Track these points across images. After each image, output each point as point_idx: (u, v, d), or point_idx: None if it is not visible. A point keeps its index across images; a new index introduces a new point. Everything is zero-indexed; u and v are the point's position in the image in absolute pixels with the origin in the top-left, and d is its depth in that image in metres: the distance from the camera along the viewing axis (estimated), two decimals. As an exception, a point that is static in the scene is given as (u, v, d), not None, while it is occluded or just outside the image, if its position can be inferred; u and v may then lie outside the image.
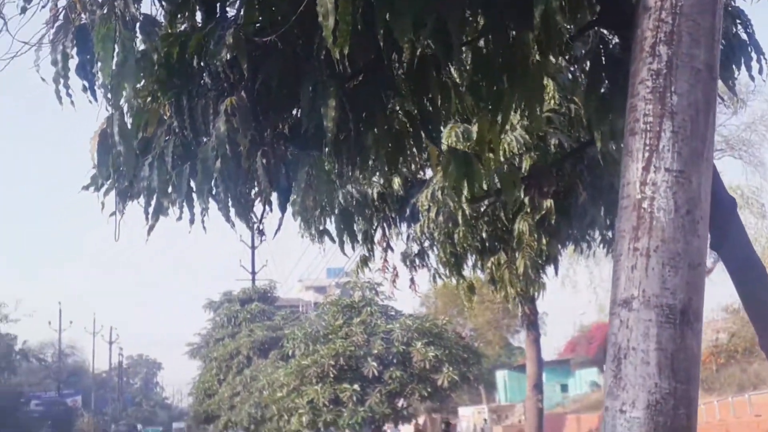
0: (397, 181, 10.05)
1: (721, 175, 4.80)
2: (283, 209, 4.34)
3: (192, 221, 4.29)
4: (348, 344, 18.63)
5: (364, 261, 10.97)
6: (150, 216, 4.20)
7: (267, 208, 4.32)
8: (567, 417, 46.46)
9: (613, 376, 3.07)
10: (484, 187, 5.28)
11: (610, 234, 10.13)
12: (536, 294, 9.70)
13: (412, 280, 10.91)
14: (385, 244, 11.13)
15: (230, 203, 4.07)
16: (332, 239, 11.08)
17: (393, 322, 19.36)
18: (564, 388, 54.68)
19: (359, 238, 11.00)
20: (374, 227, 10.99)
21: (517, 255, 8.84)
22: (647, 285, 3.05)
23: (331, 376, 18.33)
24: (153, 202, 4.15)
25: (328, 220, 10.99)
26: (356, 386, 18.29)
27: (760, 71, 4.93)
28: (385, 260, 11.13)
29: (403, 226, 11.15)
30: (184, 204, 4.01)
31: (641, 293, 3.05)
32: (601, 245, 10.66)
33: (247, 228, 4.51)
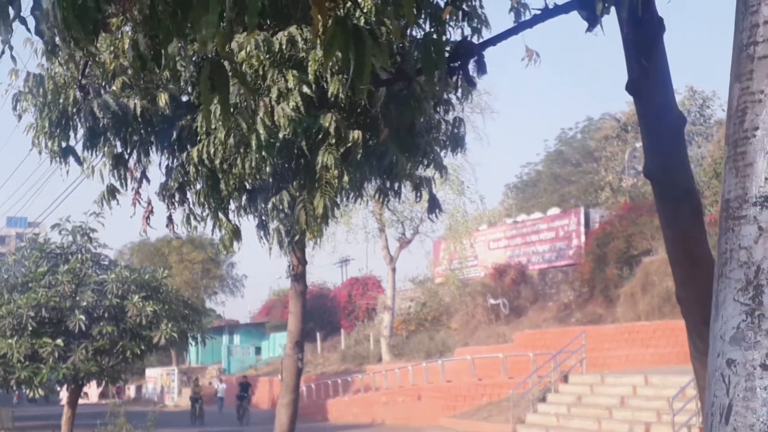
0: (163, 98, 8.42)
1: None
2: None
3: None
4: (52, 294, 16.30)
5: (112, 192, 9.17)
6: None
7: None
8: (259, 379, 46.33)
9: (746, 312, 2.01)
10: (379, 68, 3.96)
11: (402, 185, 9.37)
12: (317, 241, 8.61)
13: (170, 219, 9.30)
14: (139, 173, 9.43)
15: None
16: (78, 160, 9.17)
17: (107, 273, 17.26)
18: (258, 350, 54.54)
19: (110, 162, 9.20)
20: (129, 150, 9.24)
21: (316, 193, 7.65)
22: (808, 175, 2.08)
23: (30, 328, 15.94)
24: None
25: (73, 136, 9.04)
26: (59, 341, 16.09)
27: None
28: (137, 192, 9.44)
29: (160, 154, 9.52)
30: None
31: (797, 187, 2.07)
32: (378, 195, 9.85)
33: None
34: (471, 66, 4.02)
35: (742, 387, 2.00)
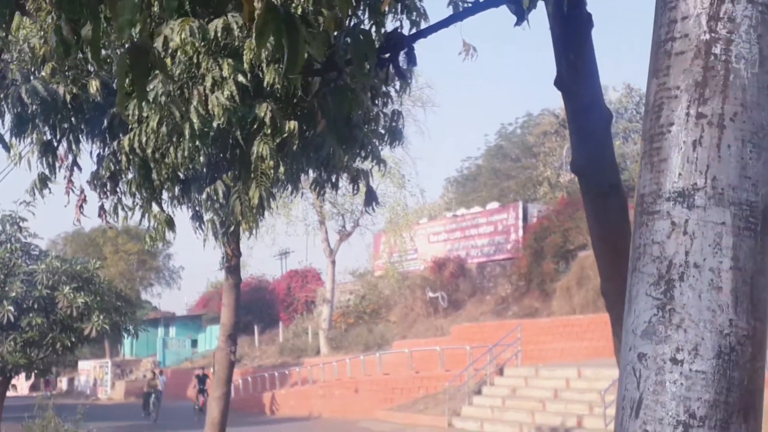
0: (94, 84, 8.23)
1: None
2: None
3: None
4: (-21, 284, 15.87)
5: (44, 180, 8.94)
6: None
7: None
8: (195, 372, 45.79)
9: (658, 306, 2.01)
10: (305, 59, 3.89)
11: (339, 177, 9.34)
12: (253, 232, 8.52)
13: (102, 208, 9.12)
14: (70, 161, 9.21)
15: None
16: (5, 146, 8.90)
17: (37, 263, 16.87)
18: (194, 343, 53.97)
19: (38, 149, 8.97)
20: (58, 138, 9.02)
21: (251, 183, 7.54)
22: (720, 171, 2.02)
23: (-45, 319, 15.53)
24: None
25: (0, 123, 8.77)
26: (-14, 333, 15.70)
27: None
28: (70, 180, 9.22)
29: (91, 142, 9.32)
30: None
31: (709, 183, 2.02)
32: (314, 186, 9.80)
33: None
34: (401, 58, 4.01)
35: (653, 381, 2.02)
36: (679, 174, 2.07)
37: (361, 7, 7.23)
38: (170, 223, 9.06)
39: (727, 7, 2.10)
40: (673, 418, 1.99)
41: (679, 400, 1.98)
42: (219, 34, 7.28)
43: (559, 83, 3.79)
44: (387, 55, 3.74)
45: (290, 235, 53.05)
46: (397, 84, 8.98)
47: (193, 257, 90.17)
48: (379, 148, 9.70)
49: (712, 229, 2.04)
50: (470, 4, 3.65)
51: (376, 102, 9.23)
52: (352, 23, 6.66)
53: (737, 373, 2.00)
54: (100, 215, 9.43)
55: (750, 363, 2.03)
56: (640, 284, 2.10)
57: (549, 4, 3.12)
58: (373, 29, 7.20)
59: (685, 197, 2.06)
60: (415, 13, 7.41)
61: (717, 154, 2.06)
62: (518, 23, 3.31)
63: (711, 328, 2.00)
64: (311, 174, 9.72)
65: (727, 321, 2.00)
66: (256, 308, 47.70)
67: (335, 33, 5.11)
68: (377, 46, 3.64)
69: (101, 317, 16.69)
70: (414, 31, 6.96)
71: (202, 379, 35.33)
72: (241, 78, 7.31)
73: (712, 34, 2.10)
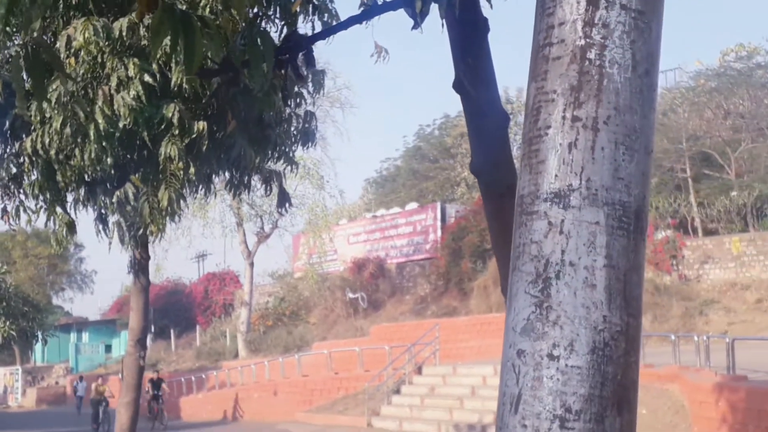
0: (-3, 85, 7.97)
1: None
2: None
3: None
4: None
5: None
6: None
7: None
8: (109, 378, 44.73)
9: (536, 304, 2.07)
10: (205, 59, 3.86)
11: (251, 178, 9.25)
12: (159, 235, 8.36)
13: (4, 210, 8.83)
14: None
15: None
16: None
17: (-63, 267, 16.24)
18: (108, 348, 52.74)
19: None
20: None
21: (161, 185, 7.41)
22: (594, 172, 2.08)
23: None
24: None
25: None
26: None
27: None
28: (-34, 182, 8.90)
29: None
30: None
31: (584, 184, 2.08)
32: (228, 187, 9.70)
33: None
34: (300, 59, 4.01)
35: (531, 377, 2.07)
36: (556, 175, 2.13)
37: (272, 8, 7.21)
38: (71, 226, 8.84)
39: (601, 14, 2.17)
40: (550, 412, 2.04)
41: (556, 395, 2.04)
42: (124, 33, 7.14)
43: (457, 86, 3.86)
44: (285, 57, 3.74)
45: (207, 238, 52.42)
46: (311, 85, 8.96)
47: (106, 261, 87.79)
48: (293, 149, 9.66)
49: (587, 228, 2.10)
50: (368, 7, 3.68)
51: (289, 103, 9.19)
52: (259, 23, 6.62)
53: (611, 368, 2.07)
54: (2, 217, 9.15)
55: (624, 358, 2.10)
56: (520, 282, 2.15)
57: (442, 8, 3.17)
58: (284, 30, 7.21)
59: (561, 198, 2.12)
60: (326, 15, 7.42)
61: (591, 156, 2.12)
62: (414, 27, 3.35)
63: (586, 324, 2.06)
64: (223, 175, 9.63)
65: (601, 317, 2.07)
66: (172, 312, 46.91)
67: (236, 33, 5.07)
68: (276, 46, 3.64)
69: (7, 323, 16.23)
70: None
71: (156, 384, 31.05)
72: (147, 78, 7.19)
73: (587, 40, 2.17)
